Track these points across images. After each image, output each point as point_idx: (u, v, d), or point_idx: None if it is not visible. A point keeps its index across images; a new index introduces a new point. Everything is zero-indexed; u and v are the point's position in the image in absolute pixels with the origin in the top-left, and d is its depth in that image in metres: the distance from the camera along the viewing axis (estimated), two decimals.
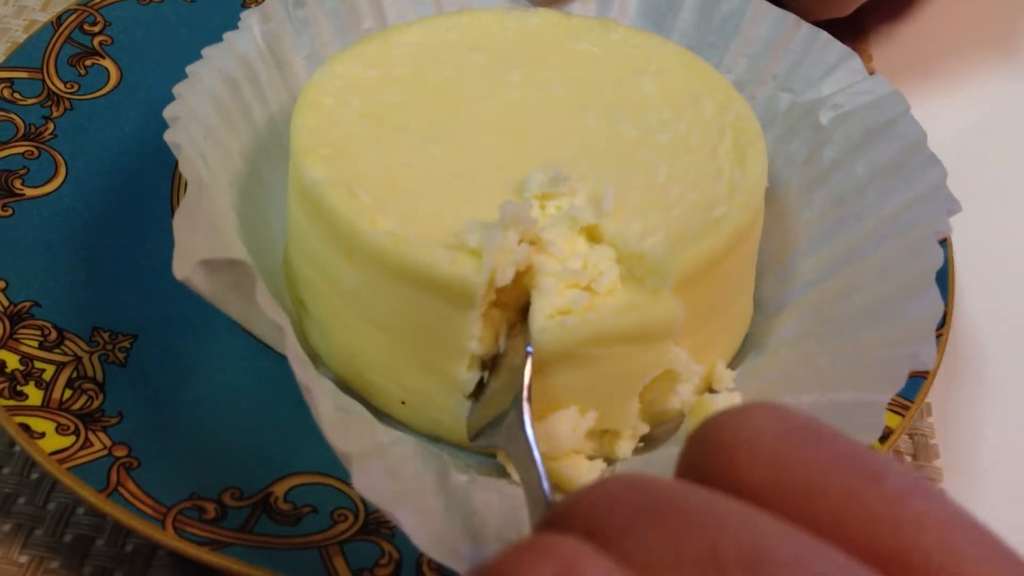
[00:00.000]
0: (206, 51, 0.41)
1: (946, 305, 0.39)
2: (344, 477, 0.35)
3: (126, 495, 0.34)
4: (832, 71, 0.44)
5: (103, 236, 0.42)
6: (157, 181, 0.44)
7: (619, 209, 0.36)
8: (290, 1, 0.44)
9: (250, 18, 0.43)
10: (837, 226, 0.41)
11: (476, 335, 0.34)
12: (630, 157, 0.38)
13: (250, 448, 0.36)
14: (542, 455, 0.31)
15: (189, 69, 0.41)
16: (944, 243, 0.40)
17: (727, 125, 0.39)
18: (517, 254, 0.33)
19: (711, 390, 0.39)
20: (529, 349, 0.33)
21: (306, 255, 0.38)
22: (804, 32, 0.45)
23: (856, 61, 0.44)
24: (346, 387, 0.38)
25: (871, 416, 0.33)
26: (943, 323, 0.40)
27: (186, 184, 0.35)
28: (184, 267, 0.32)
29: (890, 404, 0.36)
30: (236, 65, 0.42)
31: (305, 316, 0.40)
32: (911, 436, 0.42)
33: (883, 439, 0.36)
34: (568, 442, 0.35)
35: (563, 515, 0.19)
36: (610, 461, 0.37)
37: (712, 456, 0.19)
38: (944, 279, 0.41)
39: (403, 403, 0.37)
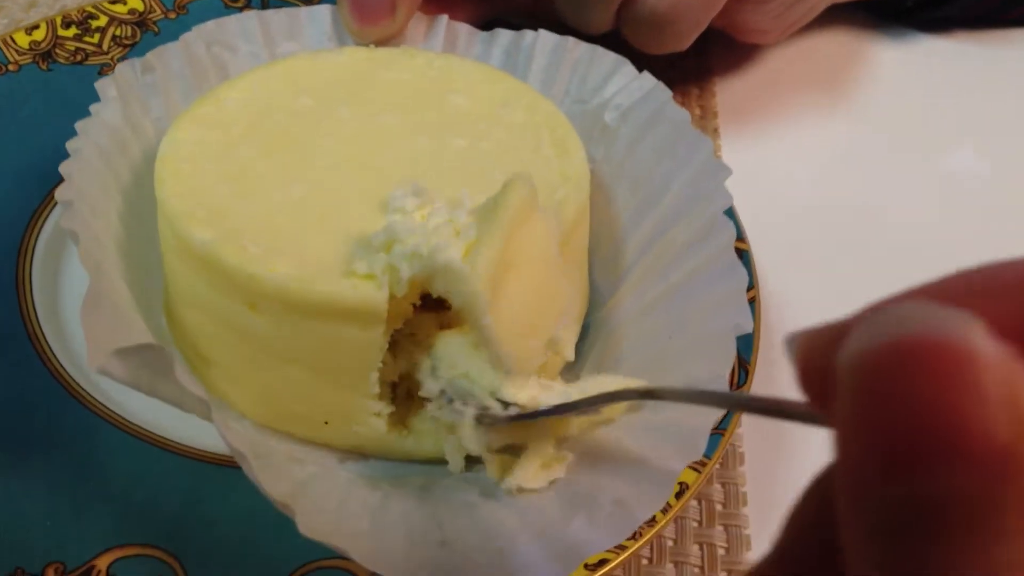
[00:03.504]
0: (79, 125, 0.42)
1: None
2: (167, 547, 0.37)
3: None
4: (610, 77, 0.49)
5: None
6: (5, 253, 0.46)
7: (474, 209, 0.38)
8: (139, 67, 0.46)
9: (107, 88, 0.44)
10: (640, 210, 0.46)
11: (384, 348, 0.37)
12: (468, 165, 0.42)
13: (74, 521, 0.37)
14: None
15: (69, 145, 0.41)
16: (752, 302, 0.45)
17: (540, 124, 0.45)
18: (403, 269, 0.36)
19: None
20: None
21: (203, 312, 0.40)
22: (583, 49, 0.50)
23: (628, 66, 0.49)
24: (265, 425, 0.40)
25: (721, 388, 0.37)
26: (746, 378, 0.43)
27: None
28: (99, 359, 0.33)
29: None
30: (107, 136, 0.43)
31: (209, 370, 0.41)
32: (723, 485, 0.45)
33: (678, 495, 0.39)
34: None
35: None
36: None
37: None
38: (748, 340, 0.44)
39: (326, 423, 0.39)
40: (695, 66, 0.64)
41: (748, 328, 0.39)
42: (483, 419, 0.36)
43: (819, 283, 0.53)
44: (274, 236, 0.38)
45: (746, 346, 0.44)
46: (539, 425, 0.36)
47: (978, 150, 0.62)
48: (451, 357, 0.37)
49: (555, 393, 0.35)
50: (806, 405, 0.19)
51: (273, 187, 0.40)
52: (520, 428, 0.36)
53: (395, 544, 0.34)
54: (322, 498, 0.36)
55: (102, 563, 0.36)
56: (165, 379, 0.34)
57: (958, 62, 0.67)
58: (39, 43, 0.53)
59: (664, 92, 0.47)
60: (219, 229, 0.38)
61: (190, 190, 0.40)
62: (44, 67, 0.53)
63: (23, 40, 0.53)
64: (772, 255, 0.53)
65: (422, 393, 0.38)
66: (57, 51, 0.53)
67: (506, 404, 0.35)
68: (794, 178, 0.59)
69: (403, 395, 0.41)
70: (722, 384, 0.38)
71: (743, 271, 0.41)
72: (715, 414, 0.38)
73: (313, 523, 0.32)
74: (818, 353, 0.18)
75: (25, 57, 0.53)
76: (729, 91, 0.64)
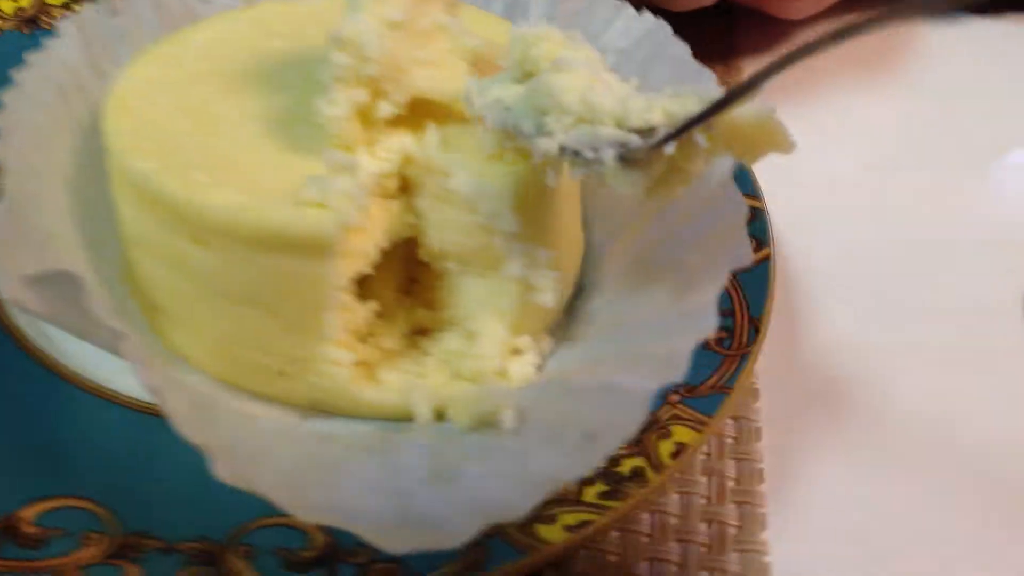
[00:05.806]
0: (30, 57, 0.41)
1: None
2: (102, 500, 0.34)
3: None
4: (611, 23, 0.46)
5: None
6: None
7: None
8: (104, 10, 0.44)
9: (67, 27, 0.43)
10: None
11: (340, 284, 0.35)
12: None
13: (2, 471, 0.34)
14: None
15: (16, 75, 0.40)
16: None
17: None
18: (358, 196, 0.34)
19: None
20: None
21: (150, 253, 0.37)
22: None
23: (628, 10, 0.46)
24: (222, 379, 0.37)
25: (709, 311, 0.34)
26: (757, 336, 0.39)
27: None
28: (8, 286, 0.30)
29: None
30: (62, 71, 0.41)
31: (164, 321, 0.38)
32: (735, 419, 0.42)
33: (676, 455, 0.35)
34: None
35: None
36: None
37: None
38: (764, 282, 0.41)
39: (281, 374, 0.36)
40: (720, 43, 0.61)
41: (747, 260, 0.36)
42: (625, 157, 0.32)
43: (837, 257, 0.50)
44: (224, 167, 0.36)
45: (756, 303, 0.40)
46: (680, 147, 0.32)
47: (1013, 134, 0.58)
48: (556, 103, 0.33)
49: (690, 99, 0.32)
50: None
51: (231, 123, 0.38)
52: (662, 154, 0.32)
53: (347, 495, 0.31)
54: (261, 450, 0.33)
55: (28, 514, 0.33)
56: (82, 313, 0.31)
57: (1000, 43, 0.64)
58: (24, 10, 0.52)
59: (664, 29, 0.44)
60: (165, 160, 0.36)
61: (140, 124, 0.37)
62: (28, 33, 0.51)
63: (8, 7, 0.52)
64: (791, 223, 0.49)
65: (535, 160, 0.34)
66: (42, 17, 0.52)
67: (642, 132, 0.32)
68: (818, 155, 0.56)
69: (372, 346, 0.37)
70: (710, 317, 0.34)
71: (742, 203, 0.37)
72: (694, 338, 0.33)
73: (235, 471, 0.29)
74: None
75: (9, 23, 0.51)
76: (755, 68, 0.60)
